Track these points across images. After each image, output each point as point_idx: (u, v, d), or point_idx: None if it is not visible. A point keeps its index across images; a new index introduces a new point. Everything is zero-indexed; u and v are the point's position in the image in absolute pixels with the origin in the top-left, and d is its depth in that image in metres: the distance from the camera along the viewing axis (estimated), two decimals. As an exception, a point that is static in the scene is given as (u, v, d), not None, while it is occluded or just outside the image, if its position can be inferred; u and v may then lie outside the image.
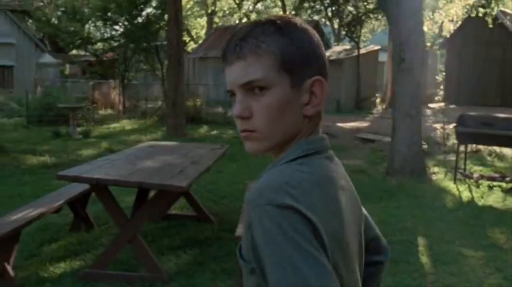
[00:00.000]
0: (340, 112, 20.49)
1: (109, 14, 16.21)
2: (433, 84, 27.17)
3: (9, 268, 3.94)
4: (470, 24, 22.79)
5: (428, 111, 20.64)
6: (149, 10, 16.74)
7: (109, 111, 19.33)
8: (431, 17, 28.16)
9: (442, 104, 23.99)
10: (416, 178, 8.32)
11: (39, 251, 4.90)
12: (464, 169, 8.46)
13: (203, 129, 15.06)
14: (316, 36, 1.06)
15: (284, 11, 32.37)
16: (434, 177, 8.60)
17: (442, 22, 30.46)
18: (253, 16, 28.53)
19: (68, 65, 33.58)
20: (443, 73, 25.62)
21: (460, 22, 23.07)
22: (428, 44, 28.88)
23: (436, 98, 25.84)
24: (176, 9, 13.33)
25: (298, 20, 1.06)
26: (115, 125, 16.33)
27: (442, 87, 26.66)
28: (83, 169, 4.23)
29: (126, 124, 16.62)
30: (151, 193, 5.31)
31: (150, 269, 3.99)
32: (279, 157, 1.04)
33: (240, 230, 3.55)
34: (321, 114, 1.07)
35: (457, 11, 19.99)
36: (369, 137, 12.23)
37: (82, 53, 38.52)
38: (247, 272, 0.97)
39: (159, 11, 16.62)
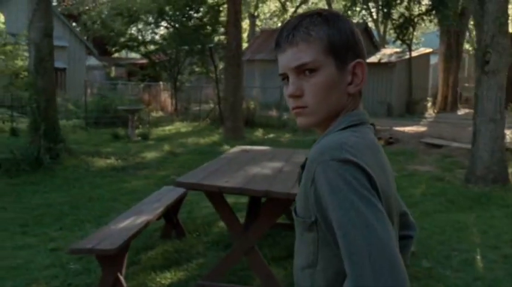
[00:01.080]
0: (391, 116, 20.04)
1: (164, 15, 16.19)
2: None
3: (122, 278, 3.82)
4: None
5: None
6: (202, 11, 16.57)
7: (160, 113, 19.37)
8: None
9: None
10: (501, 185, 7.93)
11: (138, 259, 4.78)
12: (552, 178, 8.02)
13: (259, 133, 14.89)
14: (354, 25, 1.20)
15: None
16: (518, 185, 8.18)
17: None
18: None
19: (113, 68, 34.06)
20: None
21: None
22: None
23: None
24: (236, 11, 13.21)
25: (339, 12, 1.24)
26: (169, 128, 16.34)
27: None
28: (195, 175, 4.05)
29: (180, 127, 16.60)
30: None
31: (267, 282, 3.80)
32: (324, 132, 1.18)
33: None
34: (361, 93, 1.22)
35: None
36: (434, 142, 11.80)
37: (127, 55, 39.08)
38: (303, 229, 1.10)
39: (212, 13, 16.49)
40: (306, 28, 1.16)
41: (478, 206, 6.92)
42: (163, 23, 17.38)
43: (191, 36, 16.31)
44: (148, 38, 21.09)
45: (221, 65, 16.82)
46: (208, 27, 16.19)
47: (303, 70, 1.15)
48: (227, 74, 13.47)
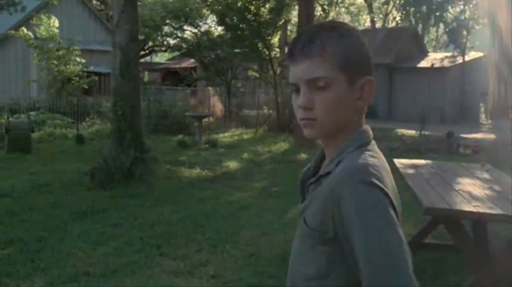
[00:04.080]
0: (444, 122, 19.38)
1: (227, 19, 15.67)
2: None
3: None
4: None
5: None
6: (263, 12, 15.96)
7: (210, 119, 18.88)
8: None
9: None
10: None
11: None
12: None
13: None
14: (365, 41, 1.26)
15: (372, 20, 31.50)
16: None
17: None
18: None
19: (146, 73, 33.70)
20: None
21: None
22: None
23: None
24: (308, 14, 12.68)
25: (353, 27, 1.30)
26: (226, 134, 15.83)
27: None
28: (426, 197, 3.48)
29: (237, 133, 16.10)
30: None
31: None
32: (332, 143, 1.25)
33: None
34: (365, 107, 1.27)
35: None
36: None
37: (151, 60, 38.75)
38: (316, 242, 1.18)
39: (271, 16, 15.93)
40: (321, 42, 1.18)
41: None
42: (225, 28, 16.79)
43: (250, 40, 15.78)
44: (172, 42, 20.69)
45: (279, 70, 16.28)
46: (267, 30, 15.61)
47: (315, 84, 1.18)
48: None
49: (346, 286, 1.14)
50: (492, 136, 15.29)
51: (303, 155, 11.61)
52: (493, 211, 3.10)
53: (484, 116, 22.16)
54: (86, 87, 19.67)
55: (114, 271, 4.66)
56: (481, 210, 3.10)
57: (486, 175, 4.35)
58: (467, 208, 3.16)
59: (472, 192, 3.67)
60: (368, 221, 1.04)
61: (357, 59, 1.21)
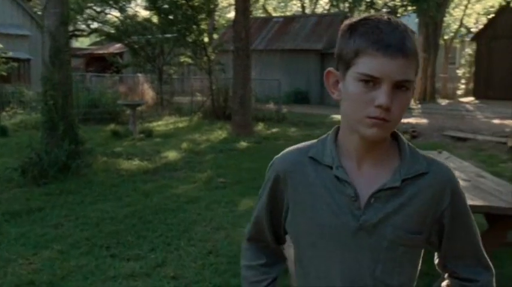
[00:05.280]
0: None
1: (158, 2, 15.03)
2: (455, 78, 26.83)
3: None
4: (502, 17, 22.52)
5: (468, 106, 20.28)
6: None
7: (142, 107, 18.21)
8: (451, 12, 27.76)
9: (471, 98, 23.68)
10: None
11: None
12: None
13: (260, 127, 14.22)
14: None
15: (302, 6, 31.47)
16: None
17: (463, 15, 30.23)
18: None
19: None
20: (468, 67, 25.29)
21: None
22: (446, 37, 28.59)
23: (459, 92, 25.53)
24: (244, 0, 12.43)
25: None
26: (160, 123, 15.33)
27: (462, 81, 26.35)
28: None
29: (172, 121, 15.64)
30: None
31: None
32: (381, 144, 1.22)
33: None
34: None
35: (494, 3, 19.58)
36: (459, 135, 11.60)
37: (73, 45, 37.05)
38: (413, 246, 1.23)
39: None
40: (413, 41, 1.13)
41: None
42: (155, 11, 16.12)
43: (181, 25, 15.29)
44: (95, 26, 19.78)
45: (212, 56, 15.93)
46: (202, 14, 15.17)
47: (400, 85, 1.12)
48: (236, 66, 12.67)
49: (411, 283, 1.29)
50: (424, 121, 15.81)
51: (243, 143, 11.44)
52: (475, 203, 3.05)
53: (413, 101, 22.96)
54: (5, 74, 18.35)
55: (63, 278, 4.27)
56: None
57: (450, 163, 4.35)
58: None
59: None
60: (470, 211, 1.28)
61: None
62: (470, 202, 3.04)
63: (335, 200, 1.22)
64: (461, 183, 3.59)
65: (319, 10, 34.36)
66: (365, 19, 1.16)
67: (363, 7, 17.16)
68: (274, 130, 13.91)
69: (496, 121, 15.50)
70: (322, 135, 1.33)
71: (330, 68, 1.25)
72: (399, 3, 20.45)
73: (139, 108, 16.51)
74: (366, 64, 1.12)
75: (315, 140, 1.33)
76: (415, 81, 1.15)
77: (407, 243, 1.21)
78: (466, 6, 30.12)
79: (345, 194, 1.21)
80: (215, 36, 25.39)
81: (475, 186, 3.54)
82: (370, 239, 1.20)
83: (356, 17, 1.21)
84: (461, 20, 30.84)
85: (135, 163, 9.01)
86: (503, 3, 20.57)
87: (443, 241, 1.27)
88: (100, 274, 4.34)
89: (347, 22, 1.21)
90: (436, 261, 1.37)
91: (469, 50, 27.35)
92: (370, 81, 1.12)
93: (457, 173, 4.00)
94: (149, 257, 4.76)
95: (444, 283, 1.38)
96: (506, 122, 15.18)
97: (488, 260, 1.32)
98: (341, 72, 1.20)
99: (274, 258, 1.47)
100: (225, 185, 7.65)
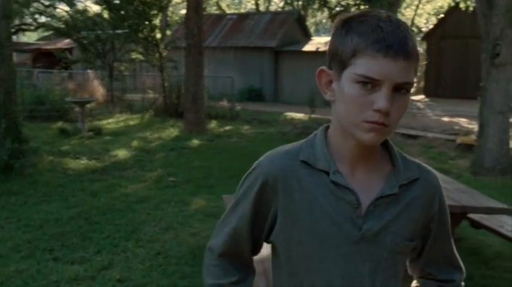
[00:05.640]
0: (330, 106, 20.07)
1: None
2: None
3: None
4: (451, 17, 23.18)
5: (420, 104, 20.75)
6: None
7: (91, 104, 17.75)
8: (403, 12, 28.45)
9: (422, 96, 24.30)
10: (510, 176, 8.00)
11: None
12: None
13: (213, 124, 14.09)
14: None
15: (256, 3, 31.38)
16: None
17: (414, 15, 31.01)
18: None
19: (14, 54, 30.96)
20: (420, 66, 25.93)
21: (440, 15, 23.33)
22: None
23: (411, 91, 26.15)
24: (196, -5, 12.27)
25: None
26: (111, 120, 14.96)
27: (414, 79, 26.97)
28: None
29: (123, 119, 15.29)
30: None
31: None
32: (376, 149, 1.16)
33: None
34: None
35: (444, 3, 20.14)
36: (411, 133, 11.84)
37: (17, 40, 35.77)
38: (405, 253, 1.21)
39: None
40: (414, 41, 1.06)
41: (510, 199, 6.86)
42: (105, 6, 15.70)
43: (133, 20, 14.98)
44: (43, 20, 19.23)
45: (164, 53, 15.69)
46: (154, 10, 14.88)
47: (400, 87, 1.05)
48: (188, 63, 12.49)
49: None
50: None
51: (195, 141, 11.29)
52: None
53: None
54: None
55: (1, 284, 4.06)
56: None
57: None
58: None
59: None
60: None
61: None
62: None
63: (334, 208, 1.13)
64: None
65: (273, 8, 34.48)
66: (363, 15, 1.08)
67: (316, 5, 17.24)
68: (227, 128, 13.81)
69: (446, 119, 15.93)
70: (308, 136, 1.24)
71: (323, 67, 1.16)
72: (352, 2, 20.70)
73: (88, 105, 16.10)
74: (364, 65, 1.04)
75: (299, 142, 1.23)
76: (413, 84, 1.08)
77: (404, 250, 1.20)
78: (417, 7, 30.95)
79: (345, 201, 1.13)
80: (168, 32, 25.08)
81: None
82: (370, 248, 1.14)
83: (352, 12, 1.12)
84: (412, 20, 31.68)
85: (83, 162, 8.74)
86: (452, 4, 21.20)
87: (427, 245, 1.27)
88: (41, 279, 4.16)
89: (342, 17, 1.12)
90: (409, 264, 1.35)
91: (420, 50, 28.06)
92: (369, 83, 1.04)
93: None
94: (95, 260, 4.60)
95: (414, 284, 1.38)
96: (456, 119, 15.63)
97: (460, 260, 1.34)
98: (335, 71, 1.12)
99: (246, 272, 1.31)
100: (175, 184, 7.52)
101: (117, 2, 14.85)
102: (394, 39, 1.03)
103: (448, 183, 3.69)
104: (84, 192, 6.98)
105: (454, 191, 3.35)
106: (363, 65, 1.04)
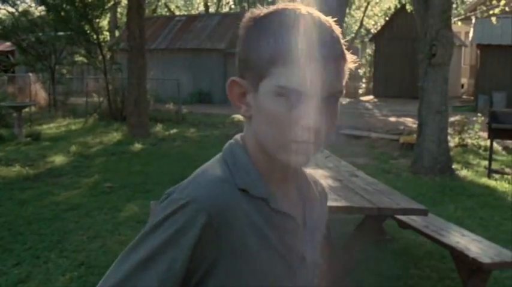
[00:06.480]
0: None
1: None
2: (357, 77, 27.83)
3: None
4: (398, 19, 23.66)
5: (368, 105, 21.04)
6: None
7: (32, 108, 17.13)
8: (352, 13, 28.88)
9: (371, 97, 24.67)
10: (449, 175, 8.13)
11: None
12: (490, 165, 8.41)
13: (159, 128, 13.80)
14: None
15: (206, 4, 31.10)
16: (460, 174, 8.42)
17: (363, 17, 31.51)
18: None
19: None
20: (369, 67, 26.37)
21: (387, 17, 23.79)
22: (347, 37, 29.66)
23: (360, 91, 26.51)
24: (138, -5, 11.98)
25: None
26: (52, 125, 14.46)
27: (364, 80, 27.41)
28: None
29: (65, 123, 14.79)
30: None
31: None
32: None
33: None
34: None
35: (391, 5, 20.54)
36: (355, 133, 11.91)
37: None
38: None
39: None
40: (341, 41, 0.90)
41: (448, 198, 6.94)
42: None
43: (74, 22, 14.52)
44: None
45: (108, 55, 15.30)
46: (94, 12, 14.46)
47: (332, 97, 0.88)
48: (130, 65, 12.18)
49: None
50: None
51: (138, 146, 11.01)
52: (339, 204, 2.97)
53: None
54: None
55: None
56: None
57: (328, 163, 4.32)
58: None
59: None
60: None
61: None
62: (333, 203, 3.00)
63: (281, 240, 0.95)
64: (332, 183, 3.56)
65: (225, 10, 34.35)
66: (277, 12, 0.89)
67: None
68: (172, 131, 13.55)
69: (392, 119, 16.17)
70: (218, 154, 1.01)
71: (234, 77, 0.95)
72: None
73: (28, 110, 15.52)
74: (286, 75, 0.85)
75: (219, 164, 0.97)
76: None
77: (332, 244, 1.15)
78: (366, 8, 31.47)
79: (287, 230, 0.96)
80: (117, 34, 24.54)
81: (345, 186, 3.51)
82: (308, 276, 1.02)
83: (261, 9, 0.91)
84: (361, 21, 32.20)
85: (15, 169, 8.33)
86: (399, 6, 21.68)
87: None
88: (-51, 296, 3.86)
89: (251, 16, 0.92)
90: None
91: (369, 51, 28.55)
92: (293, 95, 0.86)
93: (331, 173, 4.01)
94: (12, 273, 4.33)
95: None
96: (402, 119, 15.89)
97: None
98: (250, 82, 0.91)
99: None
100: (111, 189, 7.24)
101: (57, 2, 14.32)
102: (320, 41, 0.86)
103: (371, 184, 3.63)
104: (12, 201, 6.63)
105: (373, 193, 3.29)
106: (284, 75, 0.85)
